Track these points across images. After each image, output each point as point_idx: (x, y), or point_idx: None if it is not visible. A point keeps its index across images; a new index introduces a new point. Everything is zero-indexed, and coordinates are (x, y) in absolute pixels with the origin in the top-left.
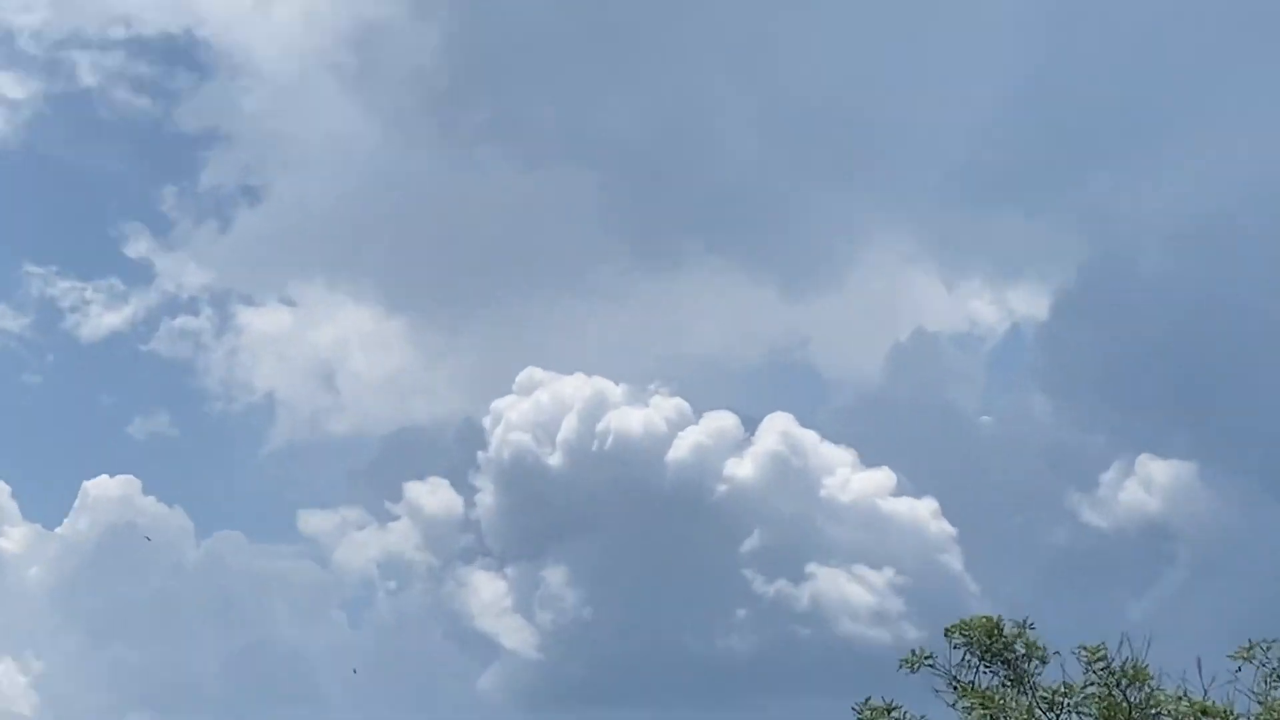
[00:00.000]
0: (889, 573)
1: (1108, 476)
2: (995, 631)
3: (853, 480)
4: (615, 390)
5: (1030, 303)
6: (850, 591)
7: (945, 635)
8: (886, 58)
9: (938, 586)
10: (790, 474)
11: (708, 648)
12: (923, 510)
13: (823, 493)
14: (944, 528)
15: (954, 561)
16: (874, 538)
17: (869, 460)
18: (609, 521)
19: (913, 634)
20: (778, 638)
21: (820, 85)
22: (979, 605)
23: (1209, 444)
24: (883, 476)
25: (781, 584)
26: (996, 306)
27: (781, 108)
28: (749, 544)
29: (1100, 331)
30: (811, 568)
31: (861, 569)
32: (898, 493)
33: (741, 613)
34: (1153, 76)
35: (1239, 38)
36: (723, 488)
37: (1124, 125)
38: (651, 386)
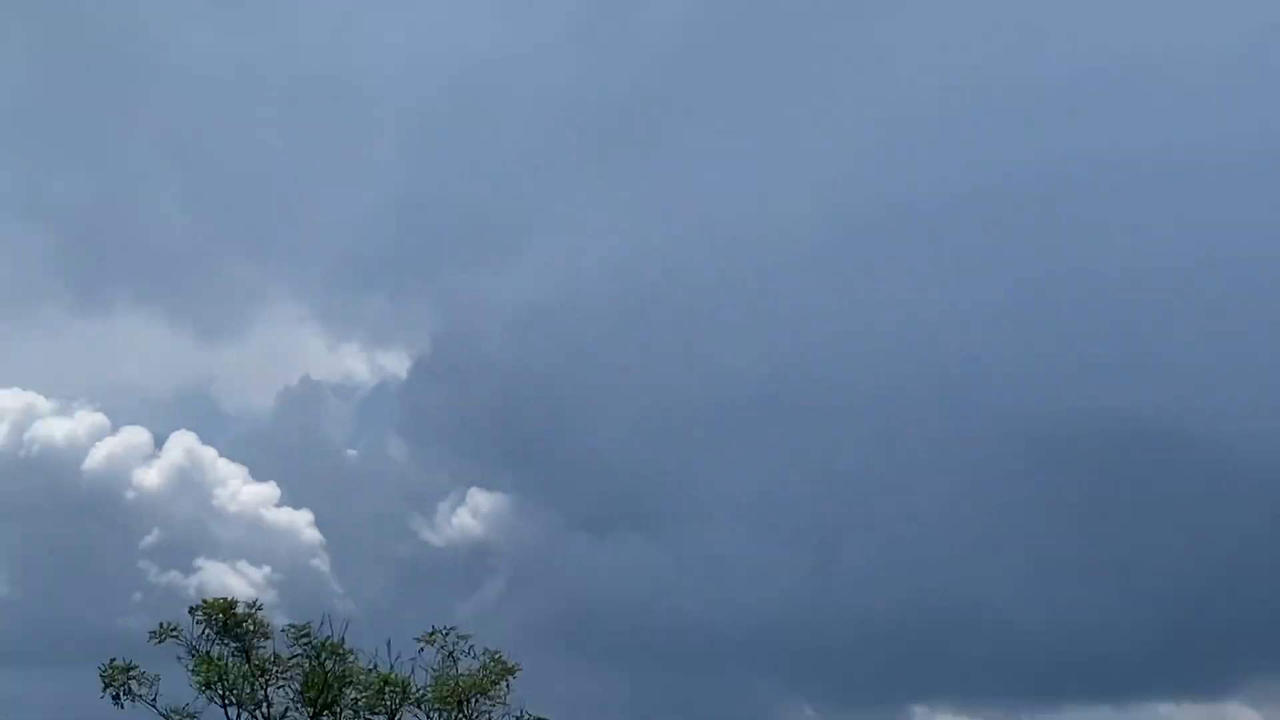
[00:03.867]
0: (266, 570)
1: (444, 505)
2: (229, 611)
3: (242, 492)
4: (45, 404)
5: (396, 365)
6: (232, 583)
7: (190, 613)
8: (297, 162)
9: (307, 584)
10: (190, 484)
11: (108, 624)
12: (299, 520)
13: (215, 501)
14: (316, 536)
15: (322, 565)
16: (256, 540)
17: (258, 476)
18: (31, 518)
19: (282, 622)
20: (166, 618)
21: (241, 175)
22: (341, 603)
23: (526, 483)
24: (268, 490)
25: (174, 575)
26: (369, 365)
27: (208, 190)
28: (148, 540)
29: (447, 391)
30: (200, 562)
31: (244, 565)
32: (280, 504)
33: (137, 596)
34: (502, 188)
35: (574, 159)
36: (131, 493)
37: (476, 229)
38: (76, 403)
